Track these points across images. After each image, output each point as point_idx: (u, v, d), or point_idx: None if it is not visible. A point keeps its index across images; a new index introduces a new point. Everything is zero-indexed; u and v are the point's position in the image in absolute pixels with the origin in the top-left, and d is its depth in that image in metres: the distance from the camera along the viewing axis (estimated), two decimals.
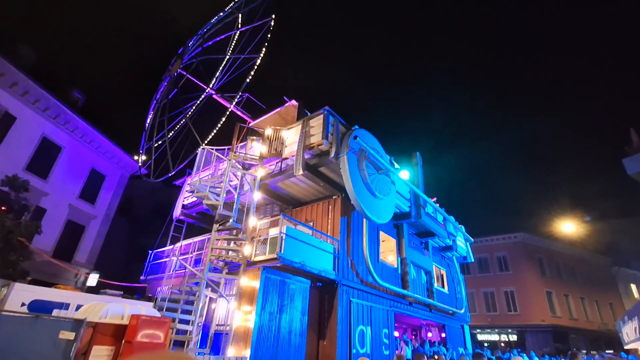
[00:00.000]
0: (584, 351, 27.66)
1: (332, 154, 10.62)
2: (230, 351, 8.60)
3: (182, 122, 17.05)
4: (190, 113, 16.03)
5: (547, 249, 35.41)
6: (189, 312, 9.14)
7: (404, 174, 14.93)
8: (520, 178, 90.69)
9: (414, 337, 18.16)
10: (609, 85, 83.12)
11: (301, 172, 10.46)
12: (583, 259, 37.91)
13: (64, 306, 8.10)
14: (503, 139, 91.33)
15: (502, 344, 31.53)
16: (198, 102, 16.13)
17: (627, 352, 15.95)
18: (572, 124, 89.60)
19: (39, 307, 7.65)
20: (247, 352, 8.42)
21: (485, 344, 32.32)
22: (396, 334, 14.96)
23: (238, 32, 17.25)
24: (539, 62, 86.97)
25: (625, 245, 40.16)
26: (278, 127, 11.79)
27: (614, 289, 38.83)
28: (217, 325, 10.04)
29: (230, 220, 9.87)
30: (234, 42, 17.14)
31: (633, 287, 41.09)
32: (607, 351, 28.32)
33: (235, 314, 9.03)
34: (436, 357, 12.43)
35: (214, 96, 16.22)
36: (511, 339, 31.80)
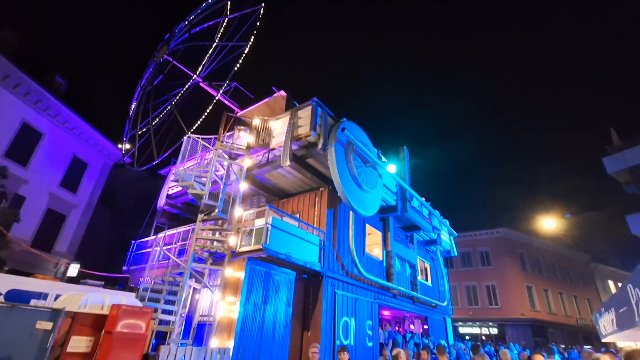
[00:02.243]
0: (563, 346, 28.46)
1: (320, 146, 10.54)
2: (214, 342, 8.53)
3: (167, 109, 16.71)
4: (175, 101, 15.68)
5: (528, 244, 36.23)
6: (172, 303, 9.02)
7: (391, 168, 14.97)
8: (503, 175, 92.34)
9: (397, 327, 18.35)
10: (591, 85, 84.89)
11: (288, 163, 10.37)
12: (563, 255, 38.88)
13: (42, 296, 7.89)
14: (487, 136, 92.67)
15: (483, 337, 32.22)
16: (184, 89, 15.79)
17: (607, 346, 16.35)
18: (555, 123, 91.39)
19: (16, 297, 7.41)
20: (231, 343, 8.35)
21: (467, 337, 32.99)
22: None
23: (226, 19, 16.93)
24: (522, 62, 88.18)
25: (603, 243, 41.27)
26: (266, 118, 11.63)
27: (592, 285, 39.91)
28: (200, 316, 9.94)
29: (216, 211, 9.74)
30: (222, 29, 16.82)
31: (610, 283, 42.38)
32: (585, 346, 29.20)
33: (219, 304, 8.94)
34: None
35: (201, 84, 15.92)
36: (492, 332, 32.53)
